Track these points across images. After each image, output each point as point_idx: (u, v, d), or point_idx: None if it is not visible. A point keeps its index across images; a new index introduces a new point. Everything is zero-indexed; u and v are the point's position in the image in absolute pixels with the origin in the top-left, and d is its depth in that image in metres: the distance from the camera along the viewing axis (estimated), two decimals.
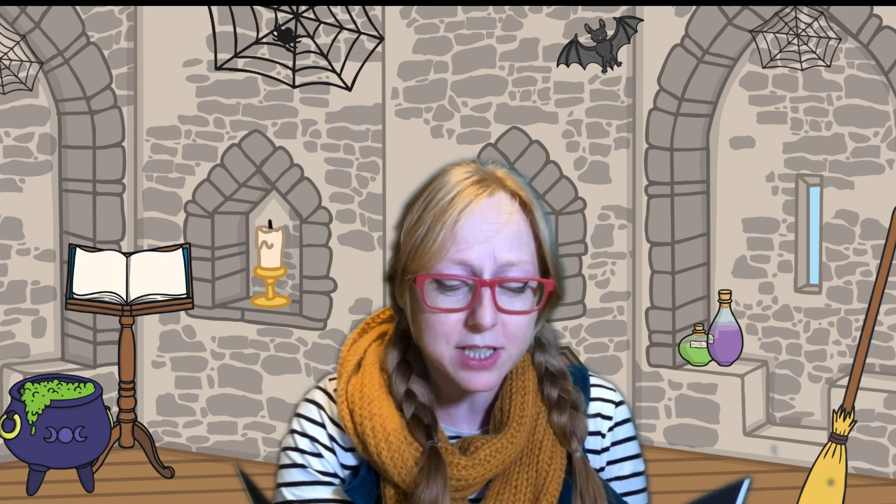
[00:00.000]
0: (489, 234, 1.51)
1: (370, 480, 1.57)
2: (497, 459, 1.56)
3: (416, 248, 1.53)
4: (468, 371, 1.53)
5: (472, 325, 1.51)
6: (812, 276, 4.96)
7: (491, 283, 1.51)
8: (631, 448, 1.69)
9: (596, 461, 1.66)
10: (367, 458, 1.56)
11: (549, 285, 1.55)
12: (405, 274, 1.54)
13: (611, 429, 1.67)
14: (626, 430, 1.68)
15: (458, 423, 1.61)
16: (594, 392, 1.67)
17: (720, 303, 4.89)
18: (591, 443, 1.66)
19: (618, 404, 1.68)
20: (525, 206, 1.55)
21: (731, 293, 4.89)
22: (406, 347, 1.60)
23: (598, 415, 1.67)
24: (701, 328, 4.90)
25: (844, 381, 4.42)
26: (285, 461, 1.60)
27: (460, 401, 1.61)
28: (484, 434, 1.60)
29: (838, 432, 3.84)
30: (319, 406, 1.61)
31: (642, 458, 1.71)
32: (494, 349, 1.53)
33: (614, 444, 1.67)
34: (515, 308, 1.53)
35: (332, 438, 1.59)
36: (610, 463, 1.68)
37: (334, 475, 1.59)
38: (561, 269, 1.58)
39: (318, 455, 1.59)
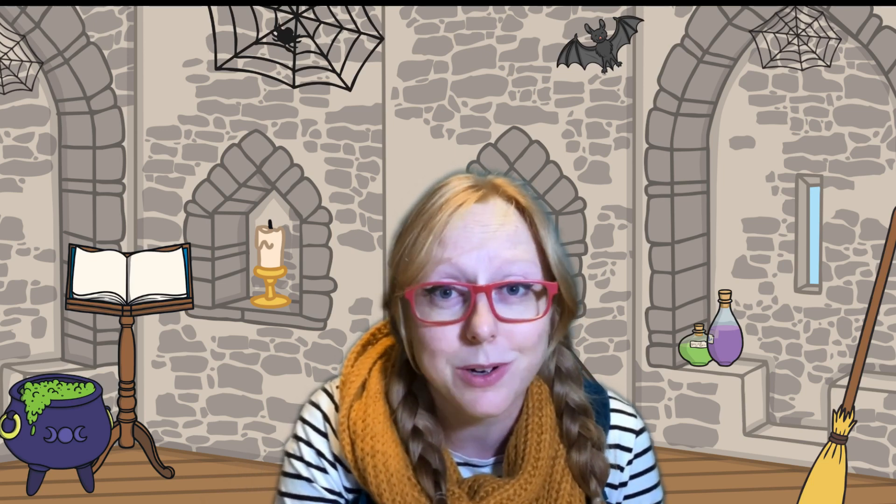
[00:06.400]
0: (483, 237, 1.39)
1: None
2: None
3: (404, 259, 1.42)
4: (472, 390, 1.40)
5: (471, 338, 1.38)
6: (812, 276, 4.95)
7: (486, 289, 1.38)
8: (649, 479, 1.58)
9: (613, 496, 1.55)
10: (366, 490, 1.46)
11: (553, 288, 1.41)
12: (395, 290, 1.44)
13: (630, 462, 1.55)
14: (645, 462, 1.57)
15: (469, 452, 1.50)
16: (614, 419, 1.55)
17: (720, 303, 4.89)
18: (609, 476, 1.53)
19: (638, 433, 1.56)
20: (523, 210, 1.42)
21: (731, 293, 4.89)
22: (411, 378, 1.48)
23: (618, 446, 1.55)
24: (701, 328, 4.89)
25: (844, 381, 4.42)
26: (289, 470, 1.51)
27: (471, 434, 1.48)
28: (497, 463, 1.50)
29: (838, 432, 3.84)
30: (325, 415, 1.51)
31: (661, 485, 1.60)
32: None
33: (633, 477, 1.56)
34: (519, 316, 1.40)
35: (335, 455, 1.50)
36: (627, 497, 1.57)
37: (339, 494, 1.50)
38: (570, 277, 1.44)
39: (324, 470, 1.50)
